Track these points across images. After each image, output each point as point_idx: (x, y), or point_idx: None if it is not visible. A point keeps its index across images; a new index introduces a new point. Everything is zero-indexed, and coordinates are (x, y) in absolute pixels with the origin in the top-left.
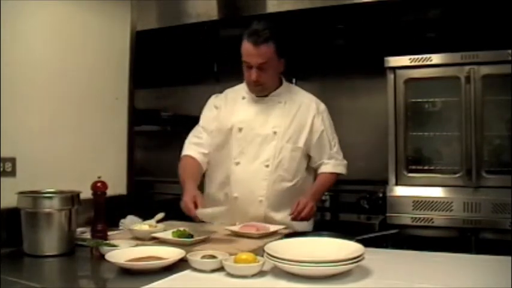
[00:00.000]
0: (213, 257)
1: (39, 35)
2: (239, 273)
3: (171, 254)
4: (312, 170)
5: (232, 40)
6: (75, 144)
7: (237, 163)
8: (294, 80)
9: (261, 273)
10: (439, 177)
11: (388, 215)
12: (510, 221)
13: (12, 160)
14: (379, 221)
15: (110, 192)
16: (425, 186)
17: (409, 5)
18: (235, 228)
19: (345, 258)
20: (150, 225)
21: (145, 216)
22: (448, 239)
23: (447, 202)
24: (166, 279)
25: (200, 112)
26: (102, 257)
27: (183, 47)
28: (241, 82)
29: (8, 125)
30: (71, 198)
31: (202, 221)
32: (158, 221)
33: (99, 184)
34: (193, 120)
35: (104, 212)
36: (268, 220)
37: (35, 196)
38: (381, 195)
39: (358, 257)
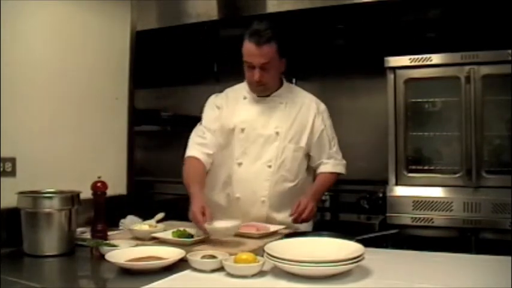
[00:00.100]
0: (213, 257)
1: (39, 35)
2: (239, 273)
3: (171, 254)
4: (311, 170)
5: (232, 40)
6: (75, 144)
7: (239, 163)
8: (294, 80)
9: (261, 273)
10: (439, 177)
11: (388, 215)
12: (510, 221)
13: (12, 160)
14: (379, 221)
15: (110, 192)
16: (425, 186)
17: (409, 5)
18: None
19: (345, 258)
20: (150, 225)
21: (145, 216)
22: (448, 239)
23: (447, 202)
24: (166, 279)
25: (200, 112)
26: (102, 257)
27: (183, 47)
28: (241, 82)
29: (8, 125)
30: (71, 198)
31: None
32: (158, 221)
33: (99, 184)
34: (194, 120)
35: (104, 212)
36: (269, 220)
37: (35, 196)
38: (381, 195)
39: (358, 257)
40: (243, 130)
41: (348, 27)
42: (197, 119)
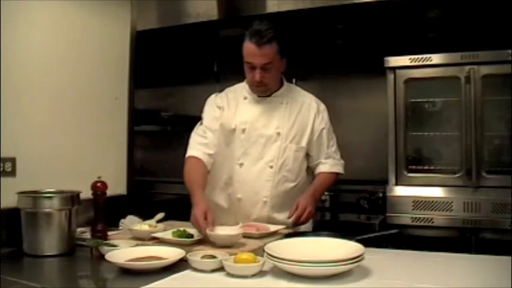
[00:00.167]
0: (213, 257)
1: (39, 35)
2: (239, 273)
3: (171, 254)
4: (311, 170)
5: (232, 40)
6: (75, 144)
7: (241, 164)
8: (294, 80)
9: (261, 273)
10: (439, 177)
11: (388, 215)
12: (510, 221)
13: (12, 160)
14: (379, 221)
15: (110, 192)
16: (425, 186)
17: (409, 5)
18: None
19: (345, 258)
20: (150, 225)
21: (145, 216)
22: (448, 239)
23: (447, 202)
24: (166, 279)
25: (200, 112)
26: (102, 257)
27: (183, 47)
28: (241, 82)
29: (8, 125)
30: (71, 198)
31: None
32: (158, 221)
33: (99, 184)
34: (193, 120)
35: (104, 212)
36: (271, 221)
37: (35, 196)
38: (380, 195)
39: (358, 257)
40: (244, 130)
41: (348, 27)
42: (197, 119)
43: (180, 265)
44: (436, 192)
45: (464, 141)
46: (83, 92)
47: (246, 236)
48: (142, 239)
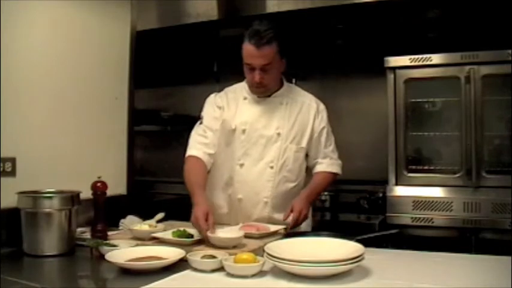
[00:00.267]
0: (213, 257)
1: (39, 35)
2: (239, 273)
3: (171, 254)
4: (309, 170)
5: (232, 40)
6: (75, 144)
7: (241, 164)
8: (294, 80)
9: (261, 273)
10: (439, 177)
11: (388, 215)
12: (510, 221)
13: (12, 160)
14: (379, 221)
15: (110, 192)
16: (425, 186)
17: (409, 5)
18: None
19: (345, 258)
20: (150, 225)
21: (145, 216)
22: (448, 239)
23: (447, 202)
24: (166, 279)
25: (200, 112)
26: (102, 257)
27: (183, 47)
28: (241, 82)
29: (8, 125)
30: (71, 198)
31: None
32: (158, 221)
33: (99, 184)
34: (193, 120)
35: (104, 212)
36: (271, 221)
37: (35, 196)
38: (380, 195)
39: (358, 257)
40: (244, 131)
41: (348, 27)
42: (197, 119)
43: (180, 265)
44: (436, 192)
45: (464, 141)
46: (83, 92)
47: (246, 236)
48: (142, 239)
